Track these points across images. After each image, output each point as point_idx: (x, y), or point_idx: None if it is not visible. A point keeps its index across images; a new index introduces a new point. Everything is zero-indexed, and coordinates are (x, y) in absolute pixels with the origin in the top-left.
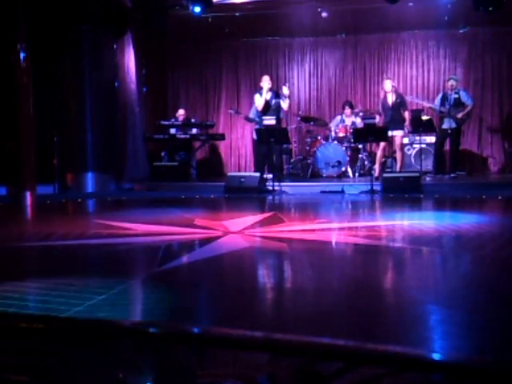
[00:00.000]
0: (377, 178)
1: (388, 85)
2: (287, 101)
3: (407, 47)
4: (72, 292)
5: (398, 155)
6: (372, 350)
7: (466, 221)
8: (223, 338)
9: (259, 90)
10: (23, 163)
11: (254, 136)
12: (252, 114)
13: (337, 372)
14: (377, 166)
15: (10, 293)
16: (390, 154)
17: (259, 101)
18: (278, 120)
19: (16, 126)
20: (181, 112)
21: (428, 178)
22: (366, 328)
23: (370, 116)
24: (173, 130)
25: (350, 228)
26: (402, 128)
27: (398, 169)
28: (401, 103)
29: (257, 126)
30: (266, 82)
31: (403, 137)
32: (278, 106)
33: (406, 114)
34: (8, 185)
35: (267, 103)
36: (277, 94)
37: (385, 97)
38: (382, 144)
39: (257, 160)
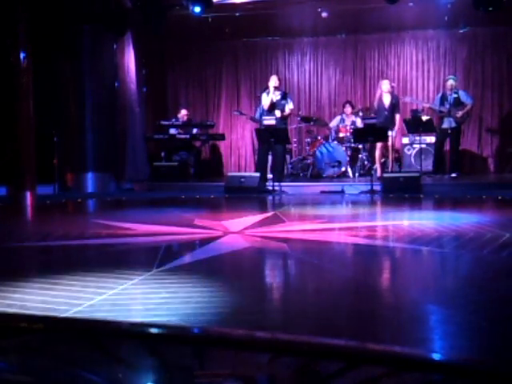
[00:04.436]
0: (379, 178)
1: (386, 85)
2: (290, 105)
3: (407, 47)
4: (72, 292)
5: (391, 156)
6: (372, 349)
7: (465, 221)
8: (223, 337)
9: (266, 89)
10: (23, 163)
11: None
12: (258, 115)
13: (337, 372)
14: (378, 166)
15: (10, 293)
16: (388, 153)
17: (266, 100)
18: (284, 120)
19: (16, 126)
20: (183, 112)
21: (428, 178)
22: (366, 328)
23: (370, 116)
24: (173, 130)
25: (350, 228)
26: (392, 129)
27: (389, 169)
28: (395, 104)
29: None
30: (272, 82)
31: (402, 137)
32: (284, 108)
33: (398, 117)
34: (8, 185)
35: (274, 103)
36: (285, 95)
37: (381, 97)
38: (379, 144)
39: (257, 160)
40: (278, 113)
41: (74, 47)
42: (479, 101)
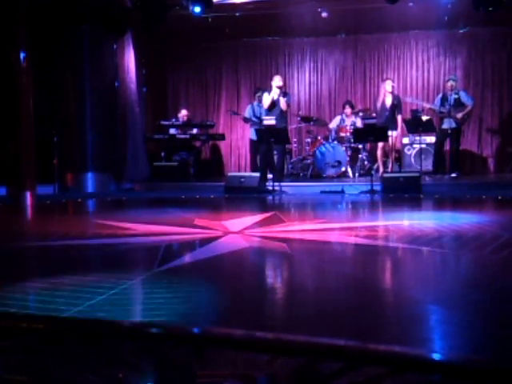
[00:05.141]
0: (381, 177)
1: (389, 85)
2: (288, 102)
3: (407, 47)
4: (72, 292)
5: (391, 156)
6: (372, 349)
7: (465, 221)
8: (223, 338)
9: (269, 88)
10: (23, 163)
11: (251, 136)
12: (247, 114)
13: (337, 372)
14: (380, 165)
15: (11, 293)
16: (389, 153)
17: (267, 99)
18: (284, 120)
19: (16, 126)
20: (184, 112)
21: (428, 178)
22: (365, 328)
23: (370, 116)
24: (173, 130)
25: (350, 228)
26: (395, 129)
27: (389, 169)
28: (397, 105)
29: (255, 127)
30: (277, 81)
31: (402, 137)
32: (287, 100)
33: (399, 118)
34: (8, 185)
35: (274, 102)
36: (284, 93)
37: (384, 97)
38: (381, 143)
39: (257, 160)
40: (282, 103)
41: (74, 47)
42: (479, 101)
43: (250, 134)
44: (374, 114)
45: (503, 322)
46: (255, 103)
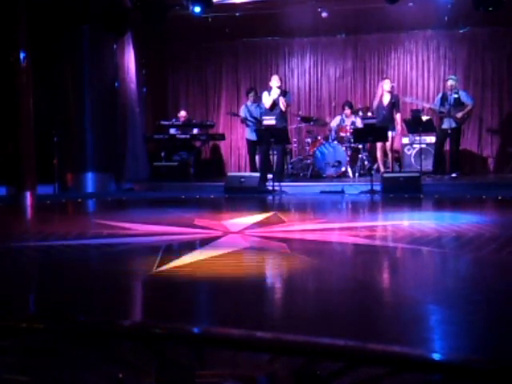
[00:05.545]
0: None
1: (387, 84)
2: (288, 101)
3: (407, 47)
4: (71, 292)
5: (389, 155)
6: (372, 350)
7: (465, 221)
8: (223, 338)
9: (269, 89)
10: (23, 163)
11: (247, 136)
12: (243, 115)
13: (337, 372)
14: (380, 164)
15: (11, 293)
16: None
17: (267, 99)
18: (284, 120)
19: (16, 126)
20: (182, 113)
21: (428, 178)
22: (365, 328)
23: (369, 116)
24: (173, 130)
25: (350, 228)
26: (393, 129)
27: (389, 169)
28: (394, 104)
29: (253, 127)
30: (274, 81)
31: (402, 137)
32: (288, 100)
33: (398, 116)
34: (8, 185)
35: (274, 102)
36: (285, 92)
37: (382, 96)
38: (379, 144)
39: (255, 160)
40: (281, 103)
41: (74, 47)
42: (479, 101)
43: (246, 134)
44: (369, 114)
45: (503, 321)
46: (248, 103)
